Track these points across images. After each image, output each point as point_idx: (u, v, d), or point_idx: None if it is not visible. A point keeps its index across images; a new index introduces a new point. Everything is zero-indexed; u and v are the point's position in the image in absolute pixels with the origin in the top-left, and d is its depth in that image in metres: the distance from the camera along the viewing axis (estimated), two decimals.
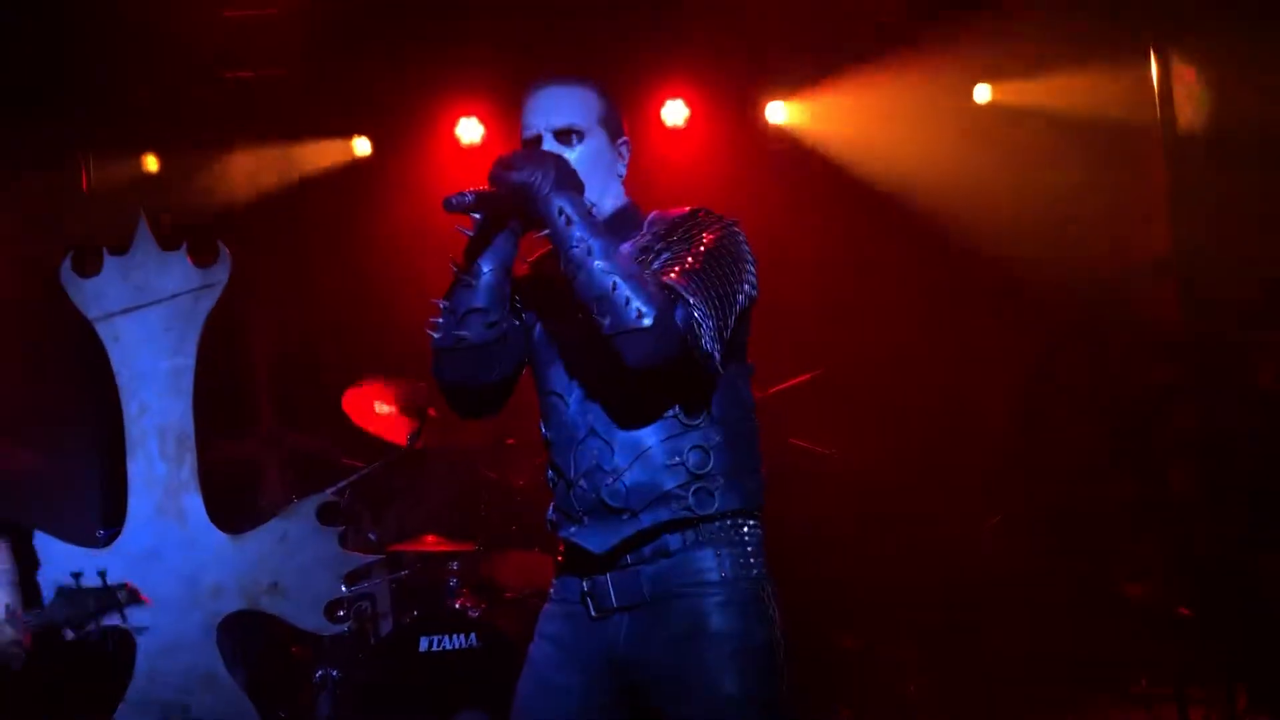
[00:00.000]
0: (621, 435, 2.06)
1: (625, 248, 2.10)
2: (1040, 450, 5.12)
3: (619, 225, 2.16)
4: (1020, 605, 4.77)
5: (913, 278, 5.35)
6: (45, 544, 3.66)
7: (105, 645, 4.36)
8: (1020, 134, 5.34)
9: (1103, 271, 5.09)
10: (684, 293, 1.95)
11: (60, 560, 3.67)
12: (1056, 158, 5.22)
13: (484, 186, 2.01)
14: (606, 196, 2.19)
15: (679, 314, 1.93)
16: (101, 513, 4.39)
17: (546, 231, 2.00)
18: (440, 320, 2.12)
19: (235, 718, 3.70)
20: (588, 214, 1.99)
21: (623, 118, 2.27)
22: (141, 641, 3.66)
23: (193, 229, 4.01)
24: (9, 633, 2.61)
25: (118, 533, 3.73)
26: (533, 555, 4.62)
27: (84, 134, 4.88)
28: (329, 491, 3.84)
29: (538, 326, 2.21)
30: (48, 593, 3.62)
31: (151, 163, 5.10)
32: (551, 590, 2.23)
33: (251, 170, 5.31)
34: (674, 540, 2.05)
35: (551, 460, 2.19)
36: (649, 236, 2.16)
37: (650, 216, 2.23)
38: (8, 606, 2.66)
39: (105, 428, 3.99)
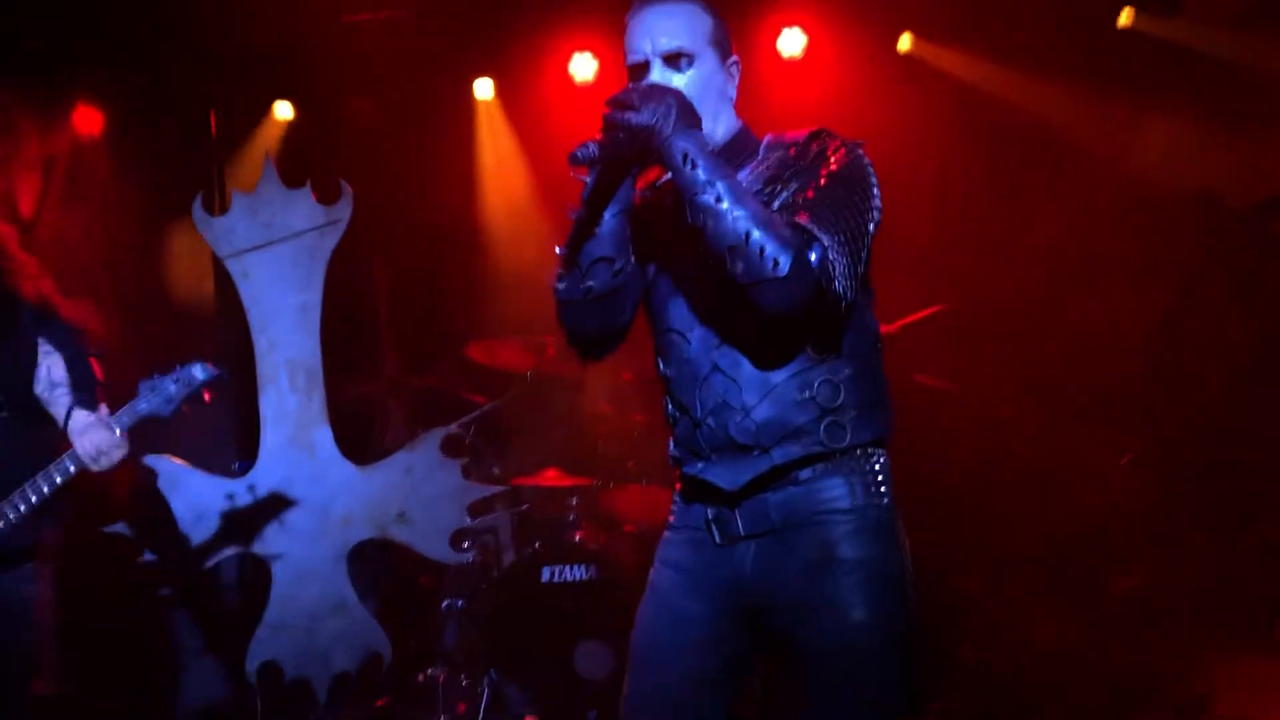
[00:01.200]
0: (748, 372, 2.02)
1: (744, 176, 2.04)
2: (1177, 389, 4.91)
3: (734, 152, 2.10)
4: (1152, 547, 4.61)
5: (1047, 211, 5.13)
6: (184, 474, 3.83)
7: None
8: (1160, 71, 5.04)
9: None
10: (818, 233, 1.90)
11: (198, 490, 3.84)
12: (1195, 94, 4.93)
13: (601, 129, 1.95)
14: (719, 122, 2.12)
15: (813, 257, 1.88)
16: (237, 445, 4.56)
17: (669, 175, 1.95)
18: (563, 270, 2.10)
19: (366, 644, 3.83)
20: (712, 155, 1.93)
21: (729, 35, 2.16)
22: (276, 569, 3.82)
23: (316, 170, 4.09)
24: (105, 436, 2.74)
25: (252, 464, 3.88)
26: (650, 489, 4.64)
27: (212, 82, 5.01)
28: (453, 425, 3.92)
29: (652, 263, 2.17)
30: (187, 523, 3.80)
31: (277, 108, 5.21)
32: (672, 517, 2.22)
33: (373, 113, 5.38)
34: (804, 471, 2.02)
35: (672, 397, 2.16)
36: (770, 165, 2.09)
37: (766, 140, 2.15)
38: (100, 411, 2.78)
39: (240, 363, 4.12)
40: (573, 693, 4.19)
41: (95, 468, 2.77)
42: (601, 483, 4.69)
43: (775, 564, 2.03)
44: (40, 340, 2.98)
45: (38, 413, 2.97)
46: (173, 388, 2.77)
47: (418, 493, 3.79)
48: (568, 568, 4.32)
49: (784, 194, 2.01)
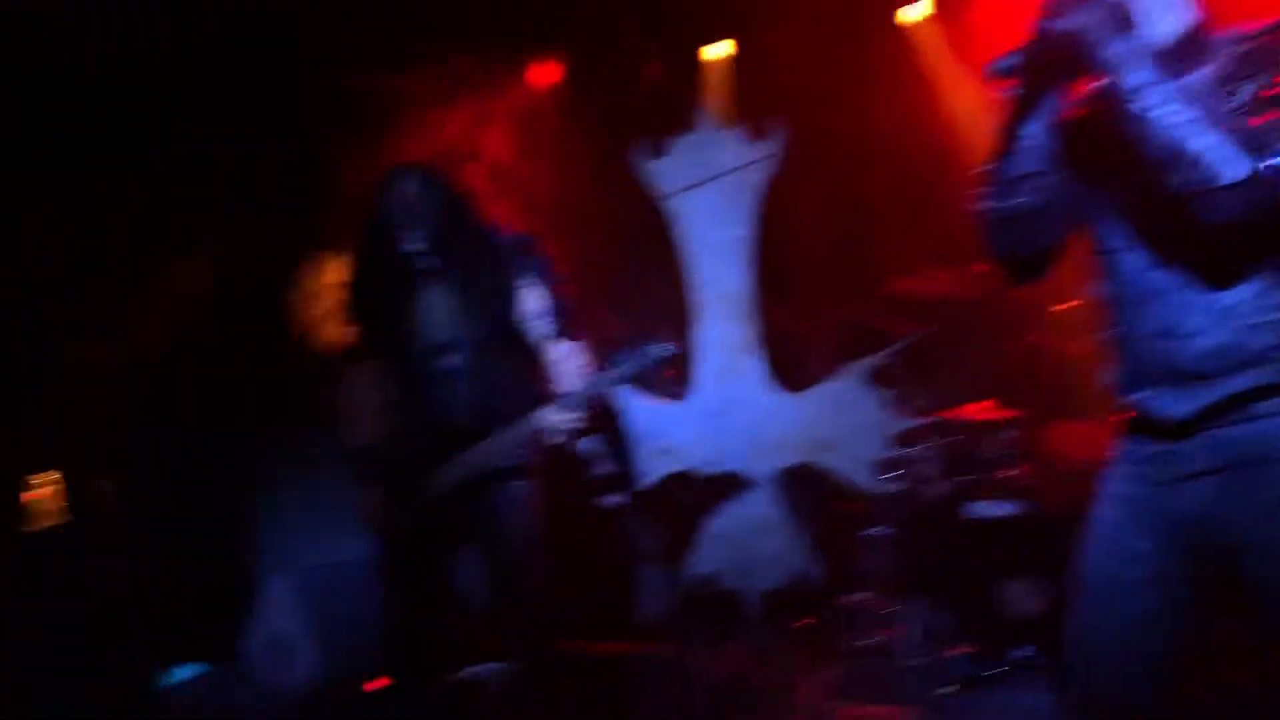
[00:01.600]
0: (1198, 293, 1.87)
1: (1194, 79, 1.87)
2: None
3: (1182, 52, 1.91)
4: None
5: None
6: (633, 398, 4.16)
7: None
8: None
9: None
10: (1273, 138, 1.72)
11: (643, 414, 4.16)
12: None
13: (1028, 39, 1.87)
14: (1169, 16, 1.92)
15: (1266, 164, 1.70)
16: (677, 372, 4.85)
17: (1102, 83, 1.83)
18: (989, 189, 2.03)
19: (795, 563, 3.99)
20: (1148, 58, 1.79)
21: None
22: (713, 488, 4.06)
23: (749, 107, 4.20)
24: (563, 415, 3.03)
25: (690, 390, 4.14)
26: (1088, 425, 4.41)
27: (653, 27, 5.28)
28: (881, 356, 3.94)
29: (1091, 178, 2.04)
30: (635, 441, 4.14)
31: (713, 48, 5.37)
32: (1117, 453, 2.10)
33: (805, 45, 5.40)
34: (1261, 406, 1.86)
35: (1113, 322, 2.05)
36: (1225, 62, 1.88)
37: (1223, 35, 1.93)
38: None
39: (677, 295, 4.37)
40: (1000, 628, 4.11)
41: (551, 440, 3.11)
42: (1036, 416, 4.52)
43: (1234, 501, 1.88)
44: (517, 274, 3.34)
45: (519, 338, 3.35)
46: (635, 365, 3.04)
47: (844, 422, 3.87)
48: (997, 503, 4.22)
49: (1239, 95, 1.82)
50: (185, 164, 5.65)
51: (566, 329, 3.23)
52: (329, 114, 5.65)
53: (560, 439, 3.09)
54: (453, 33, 5.31)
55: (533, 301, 3.31)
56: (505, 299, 3.32)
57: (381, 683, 4.47)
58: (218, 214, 5.75)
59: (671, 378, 3.25)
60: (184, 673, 4.90)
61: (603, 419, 4.16)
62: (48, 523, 5.02)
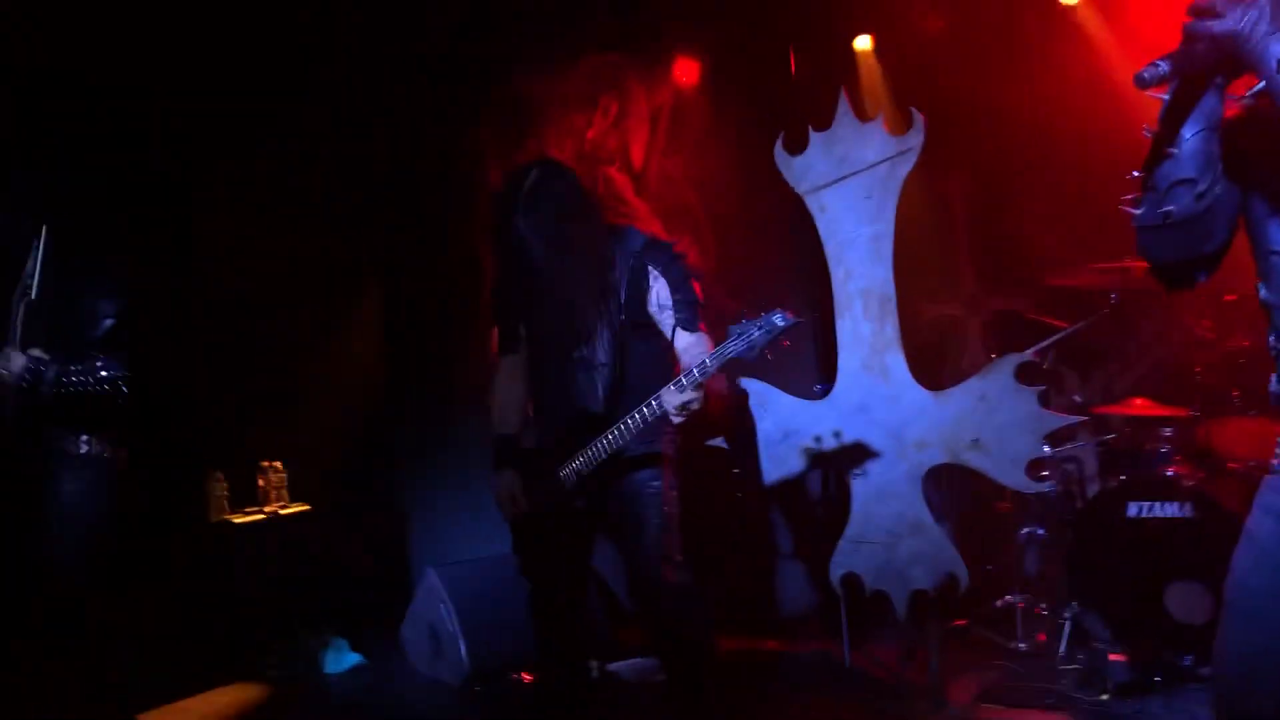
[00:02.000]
0: None
1: None
2: None
3: None
4: None
5: None
6: (773, 395, 4.15)
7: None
8: None
9: None
10: None
11: (785, 410, 4.14)
12: None
13: (1181, 39, 1.80)
14: None
15: None
16: (819, 370, 4.82)
17: (1261, 84, 1.76)
18: (1140, 195, 1.96)
19: (942, 564, 3.91)
20: None
21: None
22: (855, 486, 4.01)
23: (890, 98, 4.14)
24: (688, 396, 3.04)
25: (831, 388, 4.10)
26: (1257, 423, 4.18)
27: (794, 24, 5.25)
28: (1028, 351, 3.83)
29: (1254, 180, 1.95)
30: (774, 439, 4.13)
31: (855, 41, 5.32)
32: (1276, 460, 2.02)
33: (950, 37, 5.29)
34: None
35: (1274, 326, 1.97)
36: None
37: None
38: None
39: (818, 291, 4.34)
40: (1162, 634, 3.95)
41: (677, 419, 3.12)
42: (1199, 414, 4.32)
43: None
44: (649, 268, 3.39)
45: (653, 329, 3.40)
46: (756, 334, 3.00)
47: (991, 420, 3.76)
48: (1158, 504, 4.05)
49: None
50: (347, 170, 5.91)
51: (698, 321, 3.25)
52: (476, 117, 5.81)
53: (681, 419, 3.10)
54: (595, 33, 5.40)
55: (665, 294, 3.35)
56: (637, 292, 3.36)
57: (532, 674, 4.59)
58: (387, 222, 5.98)
59: (788, 348, 3.18)
60: (345, 662, 5.13)
61: (741, 412, 4.16)
62: (223, 515, 5.31)
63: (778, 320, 2.99)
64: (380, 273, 6.11)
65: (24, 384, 3.32)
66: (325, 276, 5.84)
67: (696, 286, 3.35)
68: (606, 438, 3.23)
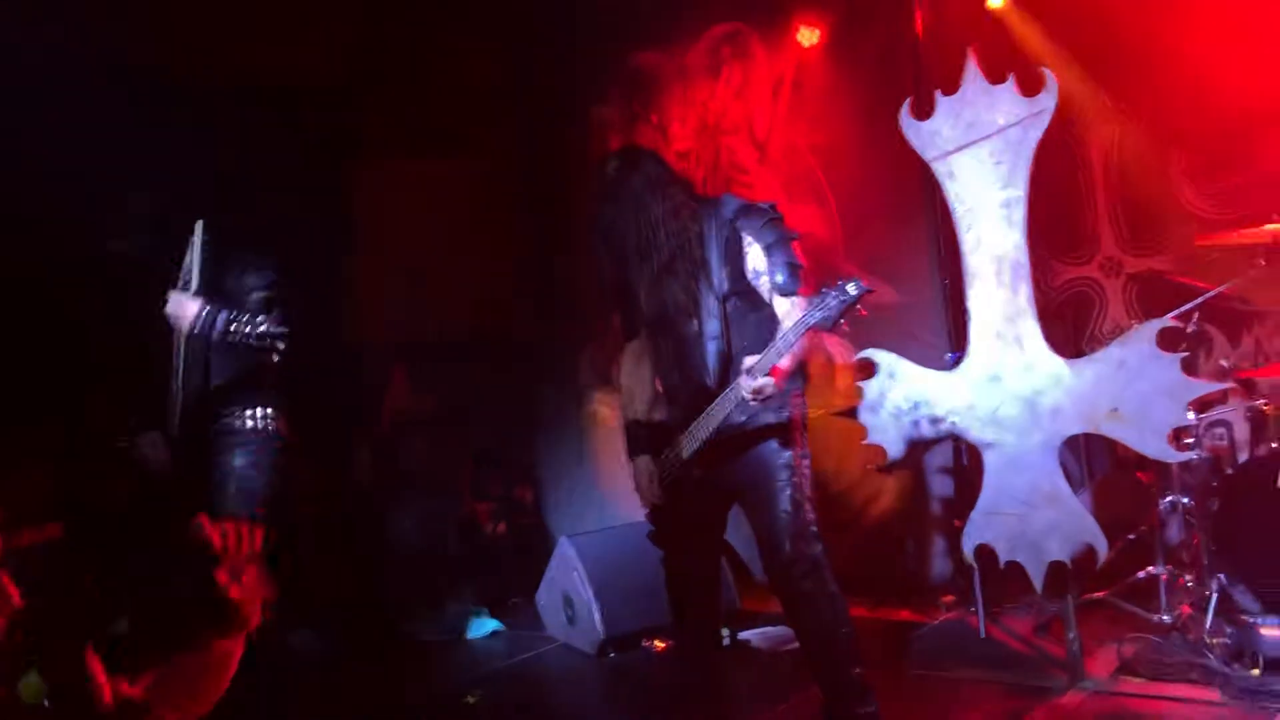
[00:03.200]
0: None
1: None
2: None
3: None
4: None
5: None
6: (901, 366, 4.10)
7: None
8: None
9: None
10: None
11: (914, 380, 4.09)
12: None
13: None
14: None
15: None
16: (949, 338, 4.74)
17: None
18: None
19: (1079, 535, 3.82)
20: None
21: None
22: (988, 456, 3.95)
23: (1020, 60, 4.02)
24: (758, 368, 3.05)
25: (962, 357, 4.03)
26: None
27: None
28: (1168, 316, 3.70)
29: None
30: (904, 410, 4.08)
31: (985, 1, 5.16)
32: None
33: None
34: None
35: None
36: None
37: None
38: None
39: (948, 259, 4.26)
40: None
41: (752, 399, 3.13)
42: None
43: None
44: (742, 234, 3.39)
45: (754, 294, 3.41)
46: (832, 303, 3.00)
47: (1131, 388, 3.64)
48: None
49: None
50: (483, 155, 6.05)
51: (797, 284, 3.24)
52: (600, 91, 5.86)
53: (769, 389, 3.12)
54: (716, 4, 5.38)
55: (761, 258, 3.35)
56: (735, 259, 3.37)
57: (662, 642, 4.67)
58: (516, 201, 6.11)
59: (865, 318, 3.14)
60: (485, 627, 5.31)
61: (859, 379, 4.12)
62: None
63: (851, 289, 2.99)
64: (521, 248, 6.23)
65: (199, 326, 3.55)
66: (476, 251, 5.99)
67: (796, 248, 3.34)
68: (712, 411, 3.27)
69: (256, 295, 3.72)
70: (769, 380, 3.09)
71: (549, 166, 6.07)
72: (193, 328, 3.57)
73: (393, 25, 5.47)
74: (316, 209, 5.20)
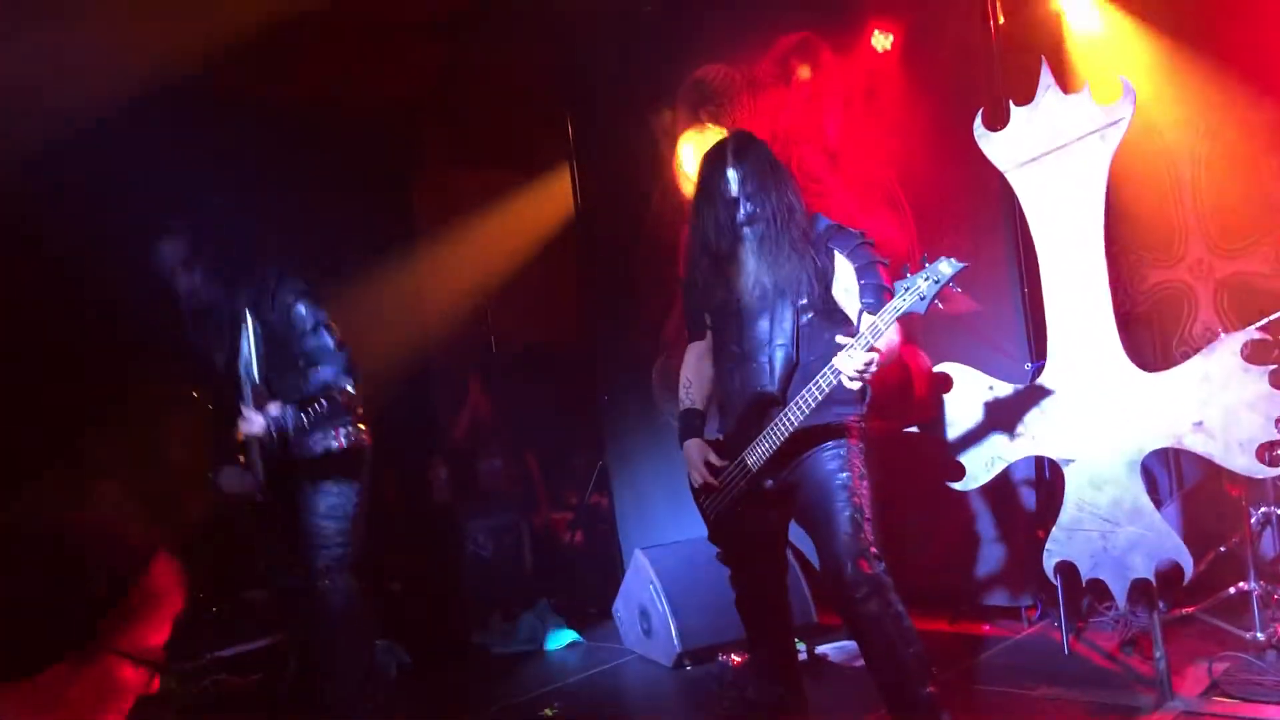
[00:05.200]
0: None
1: None
2: None
3: None
4: None
5: None
6: (978, 379, 4.03)
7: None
8: None
9: None
10: None
11: (991, 394, 4.01)
12: None
13: None
14: None
15: None
16: (1028, 348, 4.64)
17: None
18: None
19: (1163, 551, 3.73)
20: None
21: None
22: (1068, 471, 3.86)
23: (1096, 66, 3.92)
24: (862, 357, 3.00)
25: (1042, 369, 3.95)
26: None
27: None
28: (1254, 327, 3.58)
29: None
30: (982, 425, 4.01)
31: (1059, 4, 5.03)
32: None
33: None
34: None
35: None
36: None
37: None
38: None
39: (1026, 269, 4.18)
40: None
41: (853, 383, 3.07)
42: None
43: None
44: (835, 250, 3.37)
45: (838, 313, 3.38)
46: (924, 284, 2.92)
47: (1215, 401, 3.54)
48: None
49: None
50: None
51: (878, 303, 3.19)
52: (672, 102, 5.86)
53: (859, 383, 3.06)
54: (788, 11, 5.34)
55: (850, 278, 3.32)
56: (823, 275, 3.35)
57: (738, 654, 4.67)
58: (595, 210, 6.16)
59: (964, 297, 3.06)
60: (562, 639, 5.35)
61: (944, 398, 4.07)
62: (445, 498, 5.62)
63: (944, 267, 2.91)
64: (589, 259, 6.27)
65: (272, 436, 3.65)
66: (540, 270, 6.06)
67: (883, 272, 3.31)
68: (787, 417, 3.24)
69: (311, 340, 3.81)
70: (873, 355, 3.01)
71: (613, 176, 6.10)
72: (267, 437, 3.67)
73: (456, 43, 5.55)
74: (381, 224, 5.31)
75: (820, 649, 4.70)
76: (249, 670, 4.84)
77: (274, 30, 4.75)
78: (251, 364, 3.69)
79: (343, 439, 3.90)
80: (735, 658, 4.71)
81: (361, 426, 3.95)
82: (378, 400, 4.05)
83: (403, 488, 5.50)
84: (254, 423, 3.65)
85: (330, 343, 3.83)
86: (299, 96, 5.02)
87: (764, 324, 3.40)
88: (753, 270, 3.40)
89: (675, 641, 4.75)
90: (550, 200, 6.32)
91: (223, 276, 3.84)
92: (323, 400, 3.68)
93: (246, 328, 3.68)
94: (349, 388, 3.77)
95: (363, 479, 3.94)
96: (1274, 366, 3.49)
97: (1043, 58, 3.81)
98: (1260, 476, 3.69)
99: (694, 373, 3.70)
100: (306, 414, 3.66)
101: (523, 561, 5.64)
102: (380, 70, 5.39)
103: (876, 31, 5.21)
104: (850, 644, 4.61)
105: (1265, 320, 3.73)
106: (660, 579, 4.87)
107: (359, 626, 3.90)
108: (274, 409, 3.66)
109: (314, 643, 3.95)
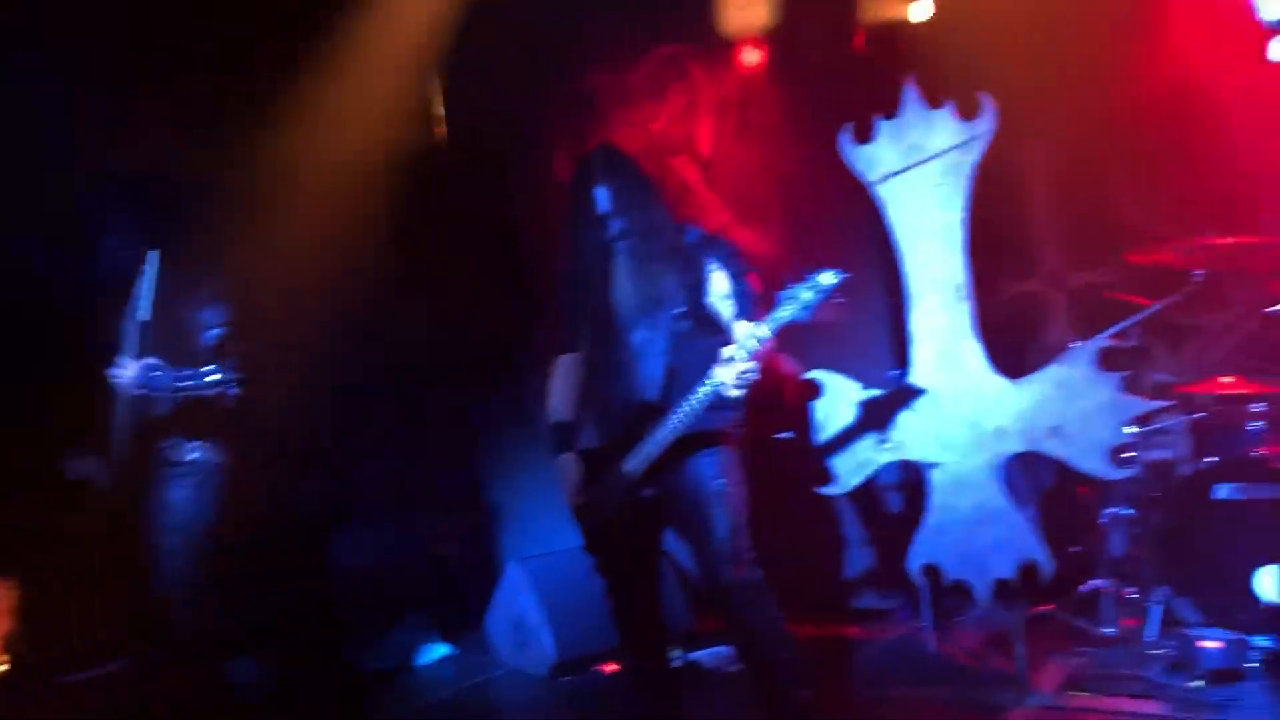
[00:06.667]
0: None
1: None
2: None
3: None
4: None
5: None
6: (845, 386, 4.13)
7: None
8: None
9: None
10: None
11: (858, 401, 4.12)
12: None
13: None
14: None
15: None
16: (892, 356, 4.77)
17: None
18: None
19: (1023, 552, 3.87)
20: None
21: None
22: (932, 475, 3.99)
23: (957, 79, 4.05)
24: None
25: (906, 377, 4.07)
26: None
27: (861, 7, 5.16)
28: (1106, 335, 3.76)
29: None
30: (848, 431, 4.11)
31: (912, 9, 5.17)
32: None
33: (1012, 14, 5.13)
34: None
35: None
36: None
37: None
38: None
39: (892, 280, 4.29)
40: (1256, 618, 3.86)
41: (732, 392, 3.11)
42: None
43: None
44: (707, 261, 3.41)
45: (712, 322, 3.41)
46: (806, 294, 2.99)
47: (1072, 406, 3.70)
48: (1251, 484, 3.95)
49: None
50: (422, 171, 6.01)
51: (754, 314, 3.24)
52: (547, 110, 5.84)
53: (740, 391, 3.10)
54: (660, 23, 5.38)
55: (724, 286, 3.36)
56: (696, 282, 3.38)
57: (614, 666, 4.66)
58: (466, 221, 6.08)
59: (844, 308, 3.13)
60: (435, 653, 5.26)
61: (813, 404, 4.15)
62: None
63: (824, 278, 2.98)
64: (459, 269, 6.20)
65: (140, 388, 3.50)
66: (407, 279, 5.95)
67: (756, 281, 3.36)
68: (665, 426, 3.26)
69: (211, 333, 3.68)
70: (752, 364, 3.05)
71: (497, 186, 6.06)
72: (135, 388, 3.53)
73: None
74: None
75: (695, 655, 4.73)
76: None
77: None
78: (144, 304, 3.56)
79: (198, 453, 3.76)
80: (611, 667, 4.70)
81: (216, 442, 3.81)
82: (252, 415, 3.93)
83: (271, 498, 5.33)
84: (127, 368, 3.52)
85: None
86: None
87: (639, 334, 3.41)
88: (626, 282, 3.41)
89: (551, 653, 4.72)
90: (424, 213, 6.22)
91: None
92: (203, 381, 3.56)
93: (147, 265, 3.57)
94: (230, 389, 3.67)
95: (218, 494, 3.81)
96: (1126, 373, 3.67)
97: (907, 75, 3.93)
98: (1112, 477, 3.87)
99: (565, 384, 3.68)
100: (181, 382, 3.54)
101: (394, 574, 5.53)
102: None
103: (745, 47, 5.31)
104: (725, 649, 4.65)
105: (1115, 329, 3.91)
106: (535, 590, 4.83)
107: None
108: (151, 361, 3.54)
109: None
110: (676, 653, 4.48)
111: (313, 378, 5.49)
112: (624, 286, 3.42)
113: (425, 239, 6.01)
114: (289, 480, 5.35)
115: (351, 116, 5.74)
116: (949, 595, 4.20)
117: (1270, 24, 1.73)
